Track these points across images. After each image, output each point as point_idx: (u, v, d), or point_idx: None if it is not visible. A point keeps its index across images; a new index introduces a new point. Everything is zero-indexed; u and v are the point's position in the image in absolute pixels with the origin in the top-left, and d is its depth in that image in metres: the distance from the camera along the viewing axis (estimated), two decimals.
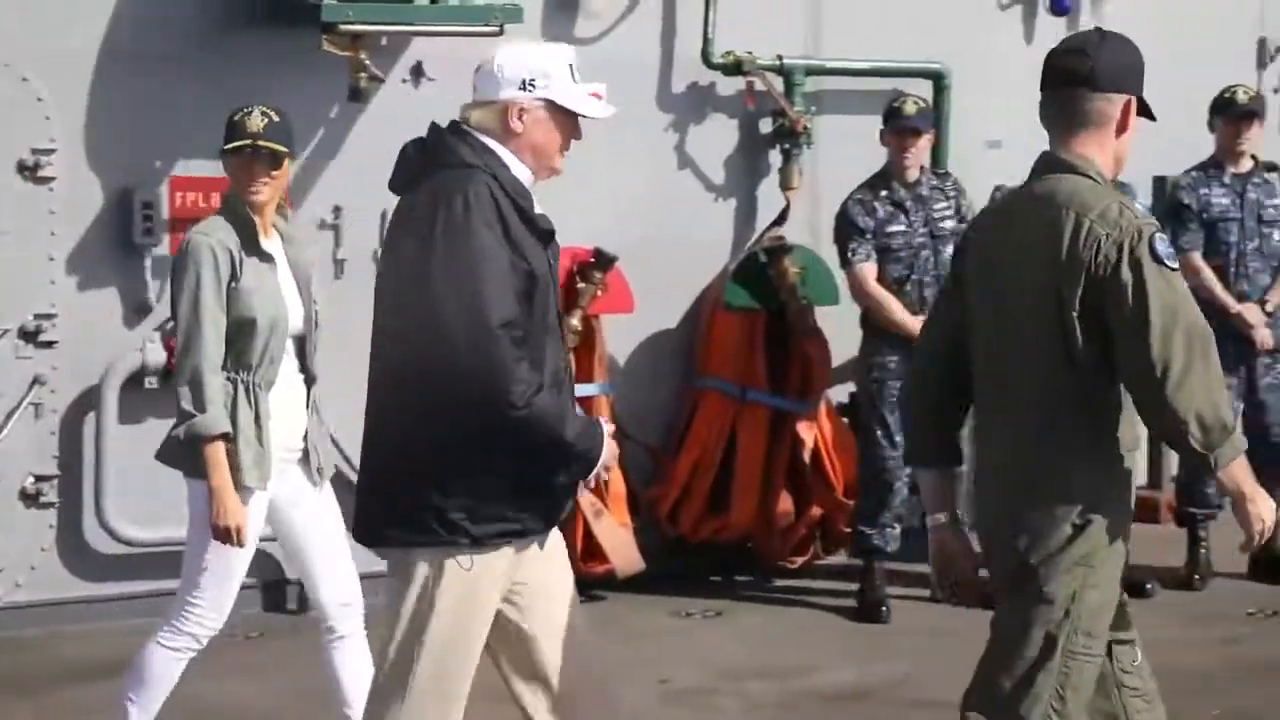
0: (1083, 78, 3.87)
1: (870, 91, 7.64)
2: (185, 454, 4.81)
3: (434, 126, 4.06)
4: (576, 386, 6.90)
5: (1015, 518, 3.91)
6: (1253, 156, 7.52)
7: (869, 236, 7.05)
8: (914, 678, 6.32)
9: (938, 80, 7.81)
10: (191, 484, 4.84)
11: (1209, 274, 7.36)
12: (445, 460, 3.91)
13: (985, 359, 4.01)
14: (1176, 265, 3.79)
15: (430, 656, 4.00)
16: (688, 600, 6.92)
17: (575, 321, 6.99)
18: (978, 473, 4.11)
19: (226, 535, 4.74)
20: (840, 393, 7.58)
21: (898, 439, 7.04)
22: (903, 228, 7.07)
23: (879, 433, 7.04)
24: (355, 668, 5.02)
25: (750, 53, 7.41)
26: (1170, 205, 7.57)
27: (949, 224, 7.12)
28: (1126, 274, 3.74)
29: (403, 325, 3.97)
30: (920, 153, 7.14)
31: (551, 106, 4.00)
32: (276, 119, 4.90)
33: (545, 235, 4.04)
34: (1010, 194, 4.09)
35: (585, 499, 6.73)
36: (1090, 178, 3.86)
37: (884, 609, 7.05)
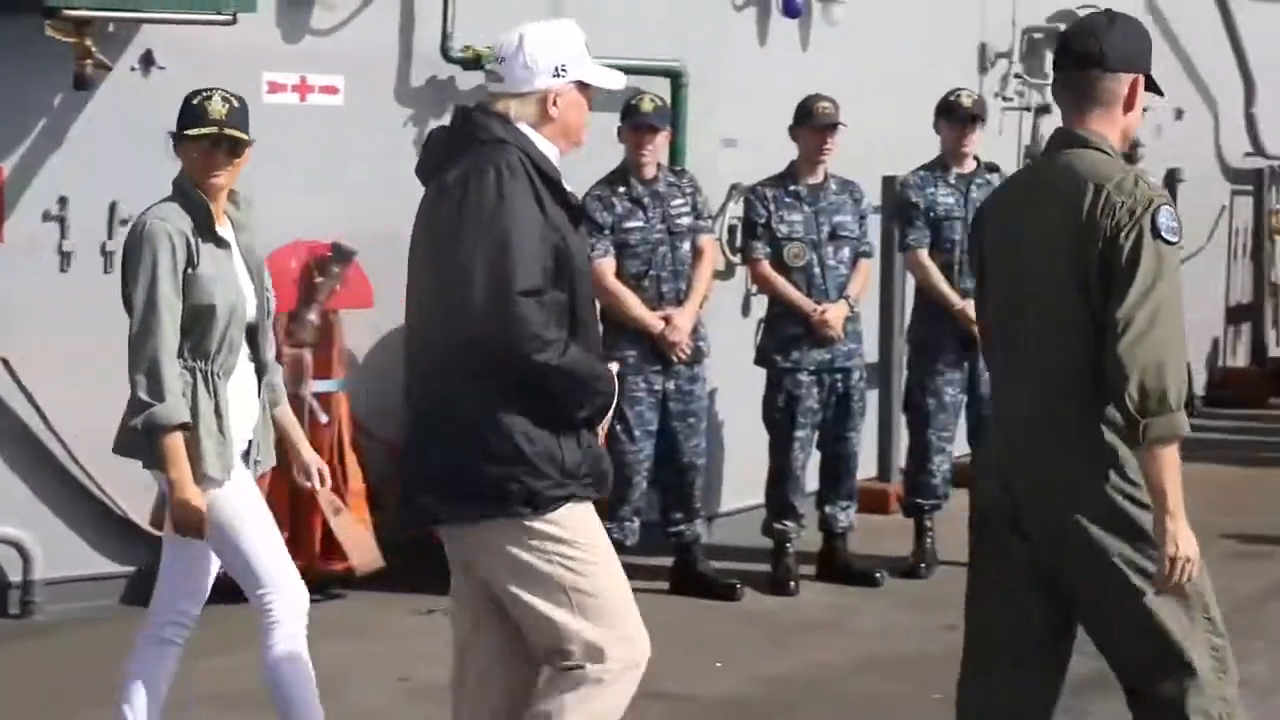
0: (1094, 59, 4.04)
1: (609, 89, 7.67)
2: (143, 445, 4.60)
3: (461, 108, 4.17)
4: (314, 382, 6.94)
5: (1055, 489, 3.96)
6: (975, 158, 7.79)
7: (607, 232, 7.12)
8: (649, 670, 6.38)
9: (675, 79, 7.89)
10: (157, 476, 4.66)
11: (935, 271, 7.61)
12: (488, 428, 3.95)
13: (1004, 328, 4.14)
14: (1175, 239, 3.93)
15: (581, 588, 4.07)
16: (429, 598, 6.86)
17: (313, 316, 6.91)
18: (996, 437, 4.17)
19: (187, 526, 4.57)
20: None
21: (636, 433, 7.13)
22: (640, 224, 7.15)
23: (618, 427, 7.10)
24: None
25: (490, 47, 7.26)
26: (899, 203, 7.81)
27: (685, 220, 7.22)
28: (1127, 238, 3.89)
29: (437, 295, 4.00)
30: (658, 150, 7.22)
31: (579, 85, 4.19)
32: (237, 104, 4.75)
33: (576, 211, 4.12)
34: (1027, 168, 4.26)
35: (324, 496, 6.64)
36: (1104, 152, 4.04)
37: None
